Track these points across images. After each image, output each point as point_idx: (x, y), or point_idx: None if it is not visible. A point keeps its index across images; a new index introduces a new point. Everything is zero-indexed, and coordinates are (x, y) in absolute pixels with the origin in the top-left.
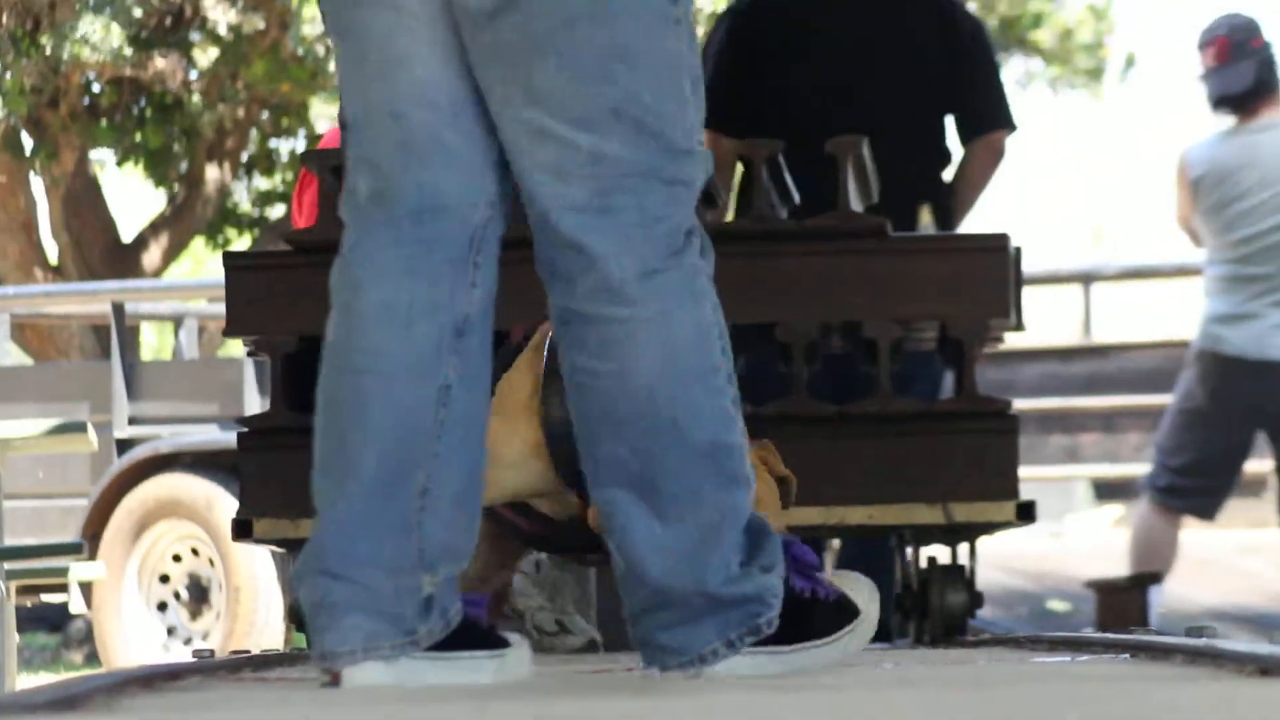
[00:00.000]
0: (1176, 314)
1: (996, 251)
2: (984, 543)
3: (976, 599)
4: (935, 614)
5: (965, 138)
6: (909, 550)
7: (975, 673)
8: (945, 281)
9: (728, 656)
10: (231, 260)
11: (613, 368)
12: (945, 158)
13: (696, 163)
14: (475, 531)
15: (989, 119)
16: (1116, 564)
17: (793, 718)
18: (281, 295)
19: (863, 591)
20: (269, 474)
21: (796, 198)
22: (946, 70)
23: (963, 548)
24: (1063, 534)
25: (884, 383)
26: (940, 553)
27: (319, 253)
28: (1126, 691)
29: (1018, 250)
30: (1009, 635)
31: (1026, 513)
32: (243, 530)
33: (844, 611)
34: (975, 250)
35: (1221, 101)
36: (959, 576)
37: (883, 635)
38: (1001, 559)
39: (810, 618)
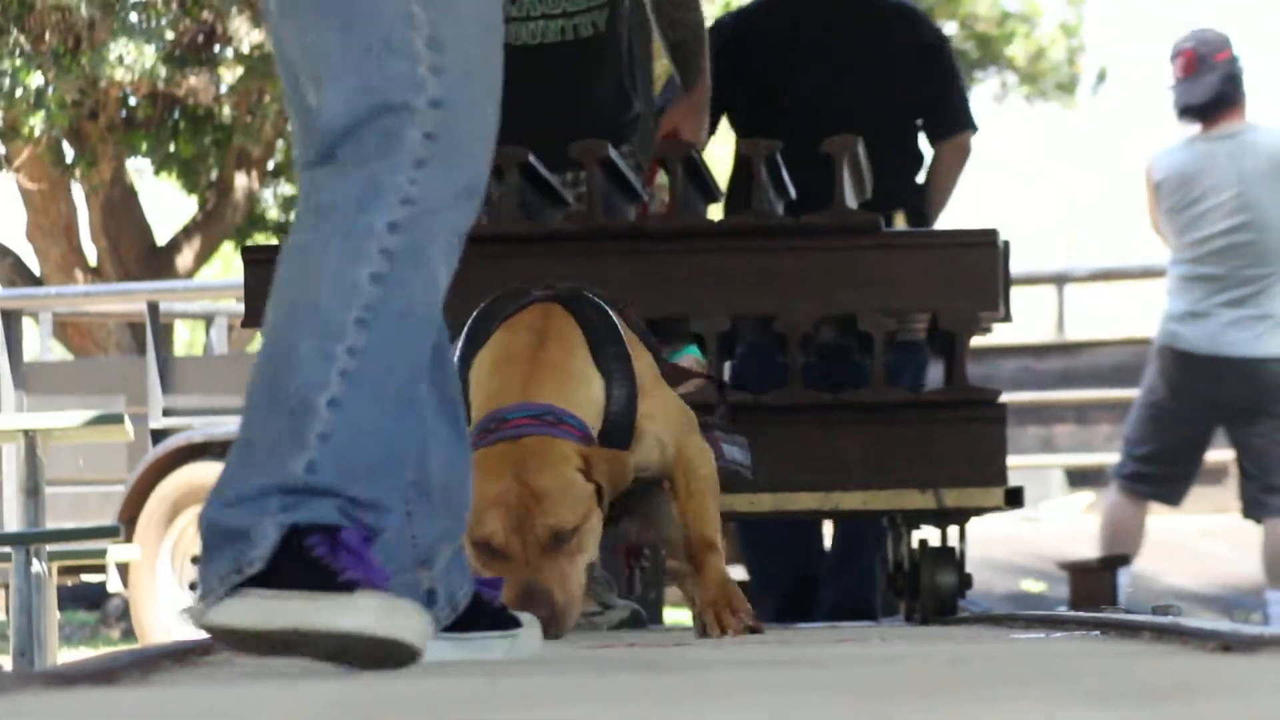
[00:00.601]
0: (1143, 313)
1: (986, 246)
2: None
3: (966, 580)
4: (926, 594)
5: (935, 139)
6: (901, 533)
7: (955, 650)
8: (937, 275)
9: (224, 597)
10: (250, 254)
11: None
12: (919, 160)
13: (411, 120)
14: (468, 500)
15: (955, 122)
16: (1088, 547)
17: (783, 692)
18: None
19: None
20: None
21: (793, 193)
22: (916, 80)
23: (952, 530)
24: (1038, 519)
25: (877, 373)
26: (931, 535)
27: None
28: (1097, 667)
29: (1006, 244)
30: (988, 614)
31: (1015, 498)
32: None
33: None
34: (966, 245)
35: (1186, 111)
36: (950, 558)
37: (868, 614)
38: (980, 541)
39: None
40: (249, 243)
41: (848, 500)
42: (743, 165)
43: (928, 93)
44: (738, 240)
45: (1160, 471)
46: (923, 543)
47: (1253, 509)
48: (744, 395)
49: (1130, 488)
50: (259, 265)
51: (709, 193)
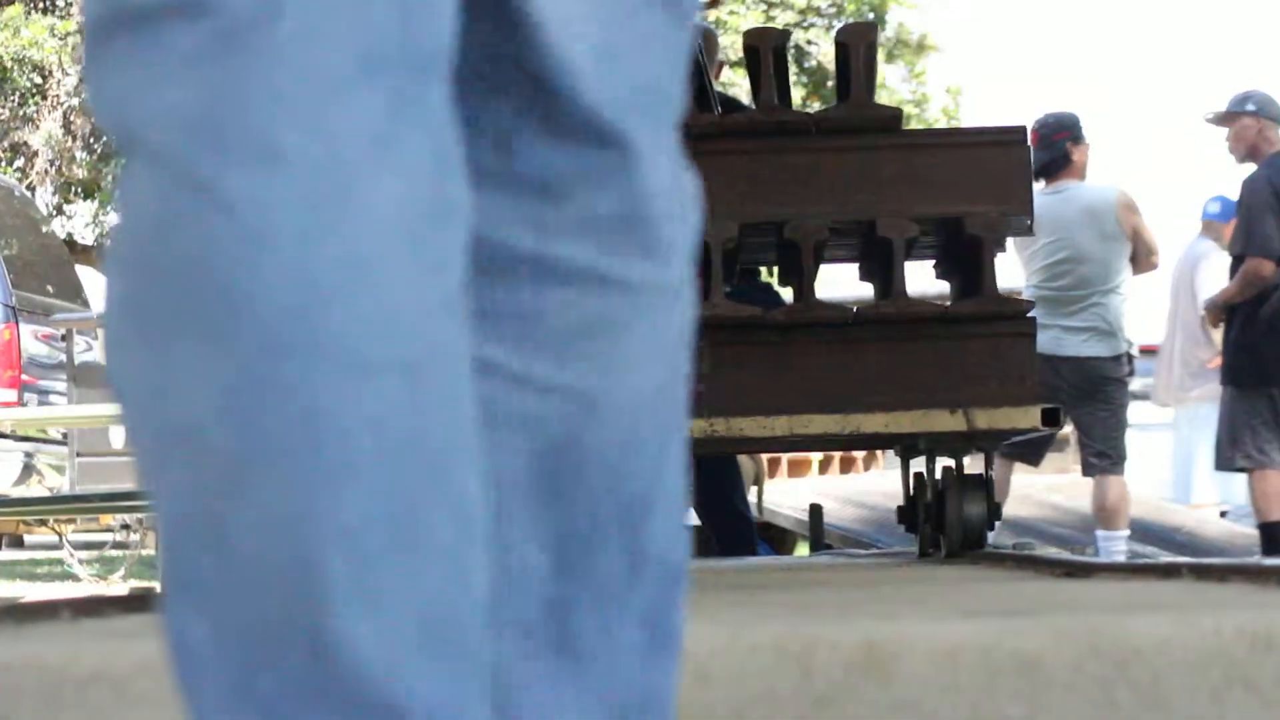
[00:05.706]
0: None
1: (1015, 145)
2: (867, 480)
3: (995, 510)
4: (953, 526)
5: None
6: (924, 461)
7: (868, 575)
8: (962, 176)
9: None
10: None
11: None
12: None
13: None
14: None
15: None
16: None
17: (731, 609)
18: None
19: None
20: None
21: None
22: None
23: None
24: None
25: (897, 285)
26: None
27: None
28: (973, 588)
29: (1029, 148)
30: (893, 550)
31: (1052, 418)
32: None
33: None
34: (993, 143)
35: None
36: (979, 486)
37: (752, 550)
38: (885, 495)
39: None
40: None
41: (869, 423)
42: (750, 57)
43: None
44: (743, 140)
45: (1024, 439)
46: (946, 469)
47: (1087, 469)
48: (751, 310)
49: (1001, 450)
50: None
51: (706, 103)
